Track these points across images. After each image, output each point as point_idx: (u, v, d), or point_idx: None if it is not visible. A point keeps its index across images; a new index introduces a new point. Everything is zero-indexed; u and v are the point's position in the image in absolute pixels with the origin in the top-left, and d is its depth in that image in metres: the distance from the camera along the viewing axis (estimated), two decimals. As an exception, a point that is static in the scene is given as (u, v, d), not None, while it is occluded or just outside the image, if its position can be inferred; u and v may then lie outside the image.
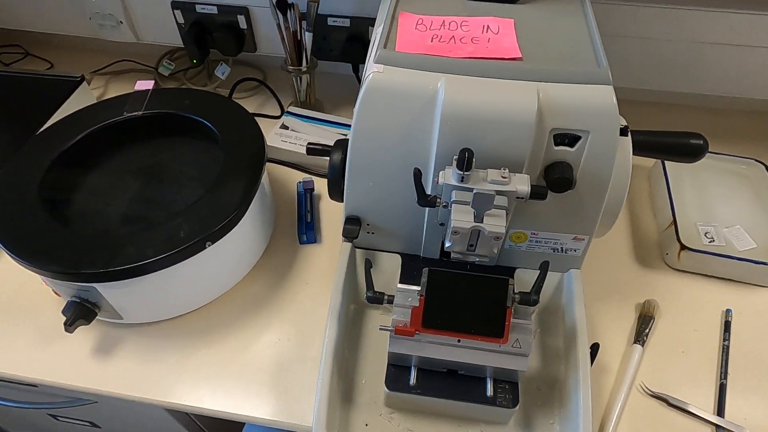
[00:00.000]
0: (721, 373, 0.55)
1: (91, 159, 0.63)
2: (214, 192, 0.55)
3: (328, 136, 0.76)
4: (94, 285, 0.50)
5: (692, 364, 0.56)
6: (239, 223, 0.55)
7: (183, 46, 0.86)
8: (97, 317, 0.55)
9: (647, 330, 0.58)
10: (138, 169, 0.63)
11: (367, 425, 0.50)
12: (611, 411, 0.52)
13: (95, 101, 0.81)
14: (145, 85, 0.68)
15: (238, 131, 0.62)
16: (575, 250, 0.54)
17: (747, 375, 0.55)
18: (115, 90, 0.89)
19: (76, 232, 0.55)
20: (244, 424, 0.66)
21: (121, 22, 0.85)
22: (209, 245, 0.52)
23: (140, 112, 0.65)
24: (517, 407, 0.47)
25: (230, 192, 0.55)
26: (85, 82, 0.80)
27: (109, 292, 0.52)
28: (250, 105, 0.86)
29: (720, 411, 0.52)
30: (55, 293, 0.57)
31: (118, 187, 0.61)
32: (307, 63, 0.77)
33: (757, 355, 0.57)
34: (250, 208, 0.56)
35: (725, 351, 0.56)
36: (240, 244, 0.58)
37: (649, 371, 0.55)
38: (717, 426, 0.51)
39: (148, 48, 0.91)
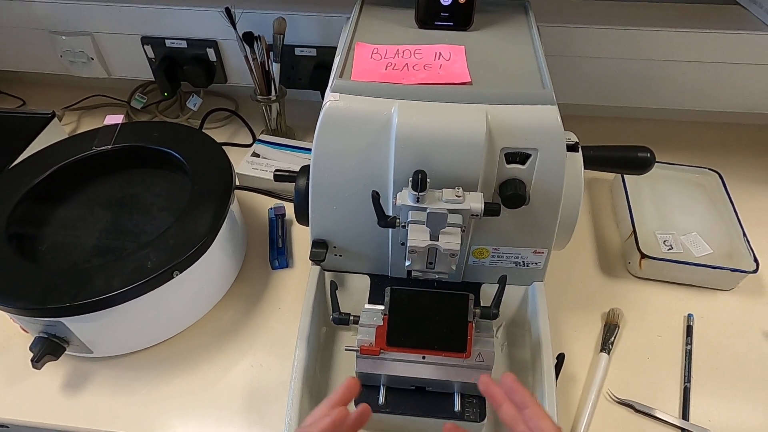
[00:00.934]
0: (684, 376, 0.56)
1: (61, 193, 0.64)
2: (182, 221, 0.56)
3: (298, 162, 0.77)
4: (61, 320, 0.50)
5: (657, 369, 0.57)
6: (207, 251, 0.55)
7: (154, 79, 0.88)
8: (66, 352, 0.55)
9: (613, 338, 0.59)
10: (108, 201, 0.64)
11: (339, 447, 0.50)
12: (580, 420, 0.53)
13: (66, 137, 0.81)
14: (115, 119, 0.69)
15: (207, 161, 0.64)
16: (537, 263, 0.55)
17: (710, 378, 0.57)
18: (88, 125, 0.90)
19: (44, 266, 0.55)
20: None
21: (92, 58, 0.87)
22: (177, 274, 0.52)
23: (109, 146, 0.66)
24: (485, 420, 0.48)
25: (198, 221, 0.56)
26: (56, 118, 0.81)
27: (77, 326, 0.52)
28: (222, 134, 0.88)
29: (685, 414, 0.54)
30: (23, 330, 0.57)
31: (88, 220, 0.61)
32: (276, 92, 0.79)
33: (718, 357, 0.58)
34: (218, 235, 0.57)
35: (688, 355, 0.58)
36: (210, 272, 0.59)
37: (615, 378, 0.57)
38: (683, 429, 0.52)
39: (120, 82, 0.93)
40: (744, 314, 0.62)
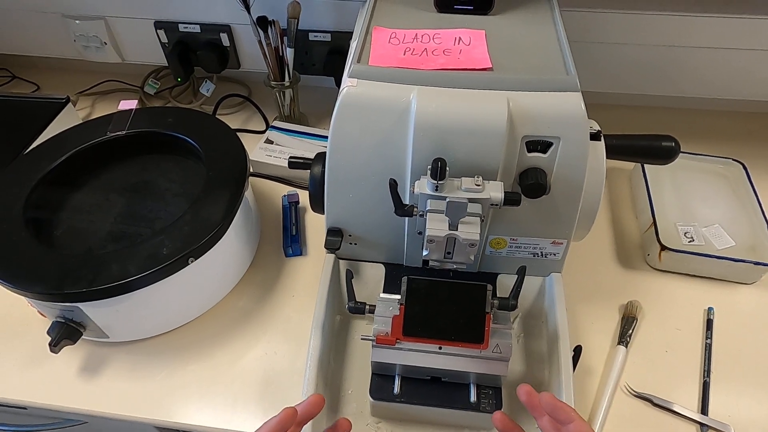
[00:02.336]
0: (704, 371, 0.56)
1: (76, 179, 0.64)
2: (197, 208, 0.56)
3: (312, 149, 0.77)
4: (78, 305, 0.51)
5: (676, 363, 0.57)
6: (222, 239, 0.55)
7: (167, 64, 0.87)
8: (83, 336, 0.55)
9: (630, 331, 0.58)
10: (122, 187, 0.64)
11: (354, 435, 0.50)
12: (596, 413, 0.52)
13: (81, 122, 0.81)
14: (129, 104, 0.69)
15: (221, 147, 0.63)
16: (555, 254, 0.54)
17: (730, 372, 0.56)
18: (101, 110, 0.90)
19: (60, 251, 0.55)
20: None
21: (105, 43, 0.86)
22: (192, 261, 0.52)
23: (124, 132, 0.65)
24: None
25: (213, 208, 0.56)
26: (70, 103, 0.81)
27: (93, 311, 0.52)
28: (235, 121, 0.87)
29: (704, 409, 0.53)
30: (41, 314, 0.57)
31: (103, 206, 0.61)
32: (289, 78, 0.78)
33: (739, 351, 0.57)
34: (233, 222, 0.57)
35: (708, 349, 0.57)
36: (224, 259, 0.58)
37: (633, 372, 0.56)
38: (702, 424, 0.52)
39: (133, 68, 0.93)
40: (765, 309, 0.61)
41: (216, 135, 0.65)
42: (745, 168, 0.71)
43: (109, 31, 0.85)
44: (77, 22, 0.84)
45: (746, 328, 0.59)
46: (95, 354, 0.58)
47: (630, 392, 0.54)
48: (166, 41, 0.85)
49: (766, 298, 0.62)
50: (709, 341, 0.58)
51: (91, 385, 0.56)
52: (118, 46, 0.88)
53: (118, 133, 0.65)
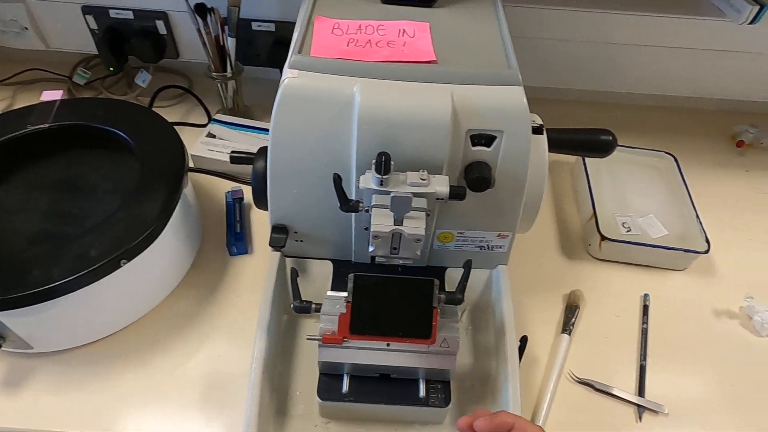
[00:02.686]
0: (640, 355, 0.58)
1: (-7, 176, 0.58)
2: (130, 206, 0.53)
3: (256, 144, 0.74)
4: (-5, 314, 0.46)
5: (615, 348, 0.59)
6: (159, 238, 0.52)
7: (98, 53, 0.81)
8: (2, 348, 0.50)
9: (573, 319, 0.60)
10: (47, 184, 0.59)
11: (302, 438, 0.49)
12: (542, 400, 0.54)
13: (-1, 114, 0.75)
14: (53, 95, 0.64)
15: (157, 141, 0.60)
16: (501, 247, 0.55)
17: (664, 355, 0.58)
18: (24, 101, 0.83)
19: (-26, 257, 0.50)
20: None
21: (25, 28, 0.79)
22: (125, 263, 0.49)
23: (47, 124, 0.60)
24: (450, 406, 0.48)
25: (148, 205, 0.53)
26: (-14, 94, 0.74)
27: (13, 321, 0.48)
28: (175, 114, 0.83)
29: (641, 391, 0.55)
30: (-47, 325, 0.52)
31: (26, 205, 0.57)
32: (231, 69, 0.75)
33: (671, 335, 0.60)
34: (171, 221, 0.54)
35: (644, 334, 0.60)
36: (162, 259, 0.55)
37: (576, 359, 0.58)
38: (639, 406, 0.54)
39: (60, 56, 0.86)
40: (695, 293, 0.64)
41: (151, 128, 0.62)
42: (676, 160, 0.75)
43: (30, 16, 0.79)
44: (-7, 4, 0.77)
45: (678, 312, 0.62)
46: (17, 367, 0.53)
47: (573, 379, 0.56)
48: (96, 28, 0.79)
49: (695, 283, 0.66)
50: (645, 326, 0.60)
51: (15, 400, 0.51)
52: (41, 32, 0.81)
53: (40, 125, 0.60)
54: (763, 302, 0.61)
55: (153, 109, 0.80)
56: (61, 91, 0.64)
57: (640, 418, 0.53)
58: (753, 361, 0.59)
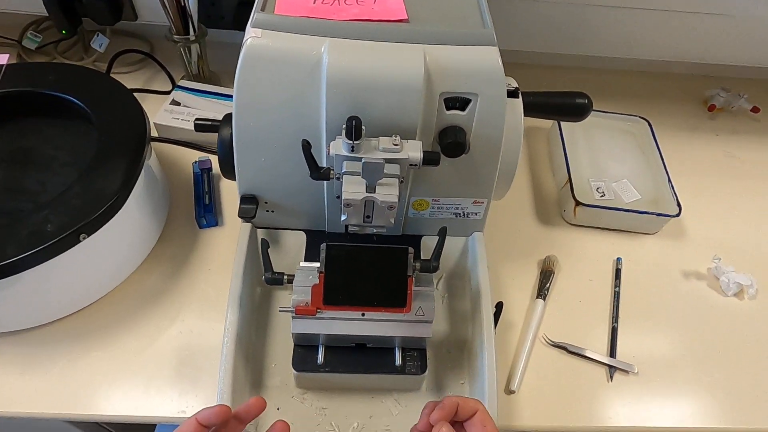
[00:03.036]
0: (612, 317, 0.59)
1: (-65, 149, 0.54)
2: (88, 178, 0.50)
3: (223, 111, 0.70)
4: (-55, 294, 0.44)
5: (588, 312, 0.60)
6: (120, 211, 0.50)
7: (48, 14, 0.76)
8: (-42, 330, 0.48)
9: (548, 284, 0.60)
10: (-3, 157, 0.55)
11: (278, 409, 0.49)
12: (517, 364, 0.54)
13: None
14: (-2, 59, 0.59)
15: (115, 109, 0.56)
16: (476, 214, 0.54)
17: (635, 317, 0.60)
18: (-31, 68, 0.77)
19: None
20: (154, 426, 0.62)
21: (-35, -14, 0.73)
22: (84, 238, 0.47)
23: (-7, 91, 0.56)
24: (426, 373, 0.48)
25: (107, 177, 0.50)
26: (-75, 59, 0.68)
27: (-34, 300, 0.45)
28: (136, 80, 0.79)
29: (612, 352, 0.56)
30: None
31: (-27, 180, 0.53)
32: (194, 31, 0.71)
33: (642, 297, 0.61)
34: (133, 193, 0.51)
35: (616, 297, 0.61)
36: (125, 233, 0.53)
37: (551, 323, 0.58)
38: (610, 366, 0.55)
39: (7, 17, 0.80)
40: (666, 256, 0.66)
41: (109, 95, 0.58)
42: (650, 125, 0.75)
43: (-31, -27, 0.72)
44: (-75, -41, 0.70)
45: (649, 275, 0.64)
46: (-24, 348, 0.51)
47: (548, 342, 0.56)
48: (44, -14, 0.73)
49: (666, 246, 0.67)
50: (617, 289, 0.61)
51: (-26, 383, 0.49)
52: (-17, -8, 0.75)
53: (-15, 93, 0.56)
54: (729, 263, 0.63)
55: (111, 75, 0.76)
56: (7, 55, 0.59)
57: (612, 377, 0.55)
58: (719, 321, 0.60)
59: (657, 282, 0.63)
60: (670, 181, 0.67)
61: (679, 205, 0.65)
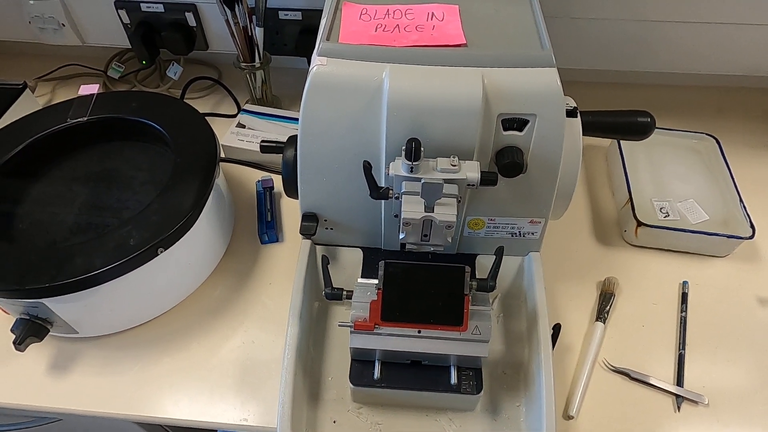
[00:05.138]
0: (679, 344, 0.56)
1: (36, 169, 0.61)
2: (165, 196, 0.54)
3: (285, 133, 0.75)
4: (42, 300, 0.48)
5: (652, 337, 0.57)
6: (193, 227, 0.53)
7: (131, 47, 0.83)
8: (50, 333, 0.53)
9: (608, 307, 0.59)
10: (86, 176, 0.61)
11: (335, 422, 0.50)
12: (576, 388, 0.53)
13: (40, 108, 0.77)
14: (90, 89, 0.66)
15: (189, 132, 0.61)
16: (533, 234, 0.54)
17: (704, 344, 0.56)
18: (63, 96, 0.86)
19: (21, 246, 0.53)
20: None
21: (63, 24, 0.82)
22: (161, 251, 0.50)
23: (85, 118, 0.62)
24: (482, 393, 0.48)
25: (182, 195, 0.54)
26: (28, 90, 0.77)
27: (59, 306, 0.50)
28: (205, 105, 0.84)
29: (680, 381, 0.54)
30: (4, 311, 0.55)
31: (66, 197, 0.59)
32: (260, 59, 0.76)
33: (712, 323, 0.58)
34: (204, 210, 0.55)
35: (683, 322, 0.58)
36: (196, 247, 0.57)
37: (611, 347, 0.56)
38: (677, 396, 0.53)
39: (96, 51, 0.88)
40: (738, 280, 0.62)
41: (184, 119, 0.63)
42: (718, 142, 0.71)
43: (66, 12, 0.81)
44: (31, 2, 0.79)
45: (719, 300, 0.60)
46: (65, 350, 0.56)
47: (608, 367, 0.55)
48: (128, 22, 0.81)
49: (739, 270, 0.63)
50: (684, 314, 0.59)
51: (62, 382, 0.54)
52: (77, 28, 0.84)
53: (79, 119, 0.62)
54: (812, 290, 0.59)
55: (184, 100, 0.82)
56: (97, 85, 0.66)
57: (679, 408, 0.52)
58: (800, 351, 0.56)
59: (728, 308, 0.60)
60: (741, 200, 0.64)
61: (752, 226, 0.61)
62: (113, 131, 0.63)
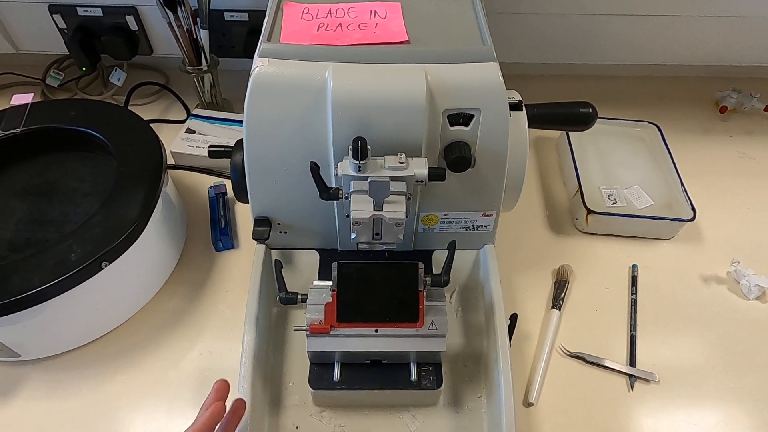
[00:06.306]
0: (630, 325, 0.58)
1: (-33, 185, 0.57)
2: (109, 207, 0.52)
3: (237, 137, 0.73)
4: (-23, 324, 0.46)
5: (605, 320, 0.59)
6: (140, 238, 0.52)
7: (69, 53, 0.80)
8: (-11, 358, 0.50)
9: (563, 294, 0.60)
10: (23, 189, 0.58)
11: (297, 428, 0.49)
12: (534, 375, 0.54)
13: (-29, 121, 0.73)
14: (23, 98, 0.63)
15: (133, 140, 0.59)
16: (486, 227, 0.55)
17: (654, 324, 0.59)
18: (-3, 107, 0.81)
19: (-48, 267, 0.50)
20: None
21: (-7, 31, 0.77)
22: (106, 265, 0.48)
23: (19, 129, 0.59)
24: (442, 387, 0.48)
25: (127, 205, 0.52)
26: (-44, 101, 0.72)
27: (-3, 329, 0.47)
28: (153, 111, 0.82)
29: (632, 361, 0.56)
30: (-63, 338, 0.51)
31: (2, 212, 0.56)
32: (207, 62, 0.74)
33: (661, 304, 0.61)
34: (152, 220, 0.53)
35: (633, 304, 0.60)
36: (145, 259, 0.55)
37: (567, 333, 0.58)
38: (630, 375, 0.54)
39: (31, 58, 0.84)
40: (683, 261, 0.65)
41: (127, 127, 0.61)
42: (659, 130, 0.74)
43: (-4, 19, 0.77)
44: (-44, 9, 0.75)
45: (667, 281, 0.63)
46: (7, 375, 0.53)
47: (565, 352, 0.56)
48: (65, 27, 0.77)
49: (683, 251, 0.66)
50: (634, 297, 0.61)
51: (6, 409, 0.51)
52: (9, 35, 0.79)
53: (12, 130, 0.59)
54: (749, 266, 0.62)
55: (130, 107, 0.79)
56: (31, 94, 0.63)
57: (632, 387, 0.54)
58: (742, 325, 0.59)
59: (675, 288, 0.62)
60: (682, 185, 0.67)
61: (693, 209, 0.64)
62: (52, 142, 0.60)
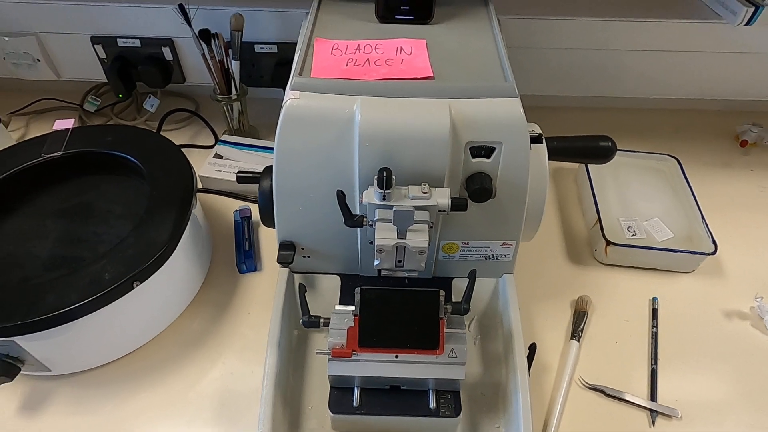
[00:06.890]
0: (651, 359, 0.58)
1: (9, 204, 0.60)
2: (141, 229, 0.54)
3: (263, 162, 0.76)
4: (13, 339, 0.48)
5: (625, 353, 0.59)
6: (169, 259, 0.53)
7: (107, 81, 0.84)
8: (22, 371, 0.52)
9: (582, 325, 0.60)
10: (60, 211, 0.61)
11: (315, 452, 0.49)
12: (553, 407, 0.54)
13: (14, 143, 0.77)
14: (65, 123, 0.66)
15: (165, 164, 0.61)
16: (506, 256, 0.55)
17: (675, 358, 0.58)
18: (37, 131, 0.86)
19: (-8, 283, 0.52)
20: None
21: (38, 60, 0.82)
22: (137, 285, 0.50)
23: (60, 152, 0.62)
24: (460, 416, 0.48)
25: (158, 227, 0.54)
26: (1, 124, 0.76)
27: (31, 344, 0.49)
28: (183, 136, 0.85)
29: (653, 396, 0.55)
30: (-27, 351, 0.53)
31: (40, 232, 0.58)
32: (236, 91, 0.77)
33: (682, 337, 0.60)
34: (181, 242, 0.55)
35: (654, 337, 0.60)
36: (173, 280, 0.56)
37: (586, 364, 0.58)
38: (651, 410, 0.54)
39: (71, 85, 0.89)
40: (704, 295, 0.64)
41: (159, 152, 0.63)
42: (679, 162, 0.75)
43: (41, 48, 0.81)
44: (6, 38, 0.80)
45: (688, 314, 0.62)
46: (37, 389, 0.54)
47: (584, 385, 0.56)
48: (105, 57, 0.82)
49: (704, 284, 0.65)
50: (655, 330, 0.60)
51: (35, 423, 0.52)
52: (52, 63, 0.84)
53: (53, 154, 0.62)
54: (773, 302, 0.61)
55: (161, 132, 0.83)
56: (72, 120, 0.66)
57: (654, 422, 0.53)
58: (766, 361, 0.58)
59: (697, 322, 0.62)
60: (703, 218, 0.67)
61: (714, 242, 0.64)
62: (88, 165, 0.63)
